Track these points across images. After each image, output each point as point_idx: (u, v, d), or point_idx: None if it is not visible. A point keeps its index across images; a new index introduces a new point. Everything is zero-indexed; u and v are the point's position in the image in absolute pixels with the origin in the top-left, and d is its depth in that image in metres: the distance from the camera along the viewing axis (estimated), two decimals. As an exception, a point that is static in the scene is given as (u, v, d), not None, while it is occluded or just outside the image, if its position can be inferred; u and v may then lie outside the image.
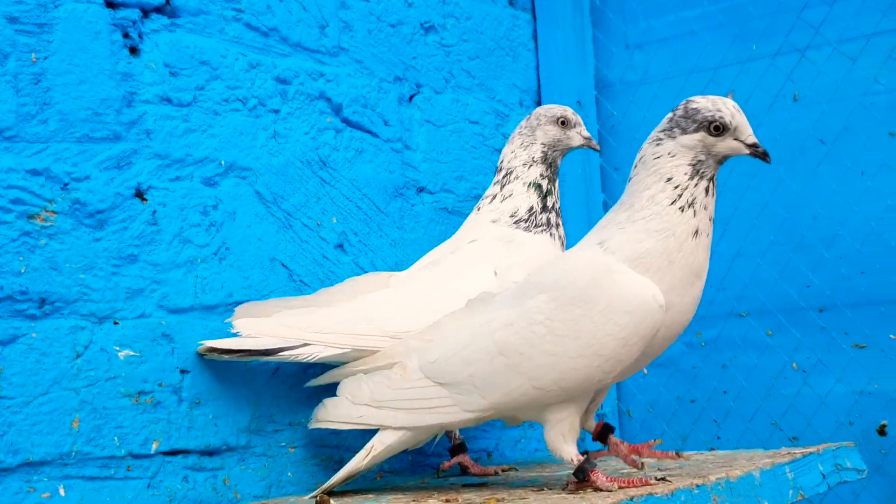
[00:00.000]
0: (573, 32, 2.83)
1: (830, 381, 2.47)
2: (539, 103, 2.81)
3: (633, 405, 2.74)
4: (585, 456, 1.67)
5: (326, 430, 2.08)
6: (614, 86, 2.83)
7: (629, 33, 2.83)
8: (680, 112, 1.69)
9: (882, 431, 2.41)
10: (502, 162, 2.14)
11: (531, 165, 2.11)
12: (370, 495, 1.84)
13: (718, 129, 1.66)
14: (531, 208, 2.09)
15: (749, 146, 1.68)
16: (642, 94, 2.78)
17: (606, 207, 2.82)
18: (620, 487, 1.61)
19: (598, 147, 2.18)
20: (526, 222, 2.08)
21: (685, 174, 1.67)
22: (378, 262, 2.25)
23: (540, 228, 2.09)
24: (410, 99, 2.40)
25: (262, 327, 1.85)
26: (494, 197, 2.12)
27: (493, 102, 2.64)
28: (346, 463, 2.10)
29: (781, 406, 2.53)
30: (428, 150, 2.42)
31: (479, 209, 2.14)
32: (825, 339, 2.48)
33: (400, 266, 2.29)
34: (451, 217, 2.44)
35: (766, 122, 2.57)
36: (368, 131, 2.27)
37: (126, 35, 1.85)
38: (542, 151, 2.12)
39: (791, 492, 1.88)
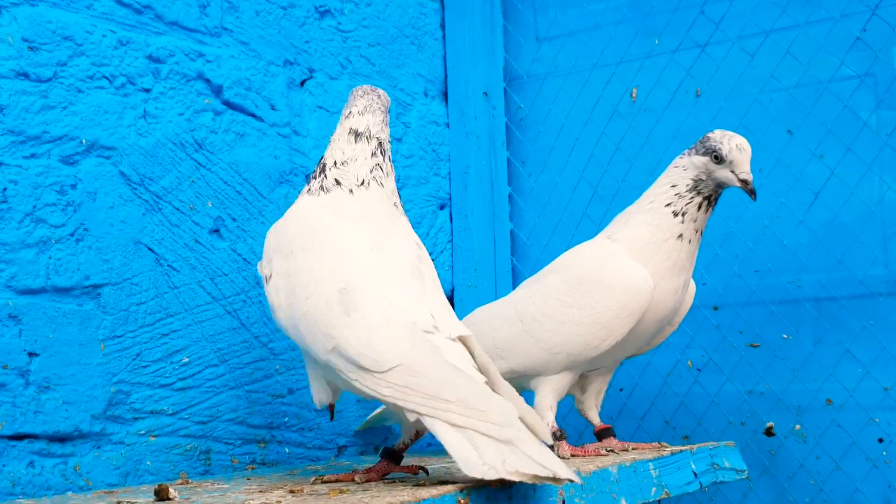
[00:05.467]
0: (482, 23, 2.79)
1: (722, 380, 2.44)
2: (445, 94, 2.77)
3: (528, 401, 2.71)
4: (557, 428, 2.00)
5: (193, 420, 2.04)
6: (522, 78, 2.79)
7: (539, 25, 2.79)
8: (702, 138, 2.00)
9: (769, 433, 2.38)
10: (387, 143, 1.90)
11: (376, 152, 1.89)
12: (224, 485, 1.79)
13: (718, 158, 1.95)
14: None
15: (740, 181, 1.96)
16: (549, 87, 2.75)
17: (512, 201, 2.79)
18: (573, 455, 1.95)
19: None
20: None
21: (686, 186, 1.99)
22: (258, 248, 2.20)
23: None
24: (302, 84, 2.35)
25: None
26: (388, 175, 1.88)
27: (394, 91, 2.60)
28: (212, 453, 2.06)
29: (674, 404, 2.50)
30: (319, 137, 2.37)
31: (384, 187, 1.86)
32: (718, 337, 2.46)
33: (283, 253, 2.24)
34: (343, 205, 2.40)
35: (665, 117, 2.54)
36: (252, 114, 2.22)
37: (-18, 7, 1.80)
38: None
39: (654, 489, 1.85)
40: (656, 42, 2.59)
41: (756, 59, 2.44)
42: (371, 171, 1.85)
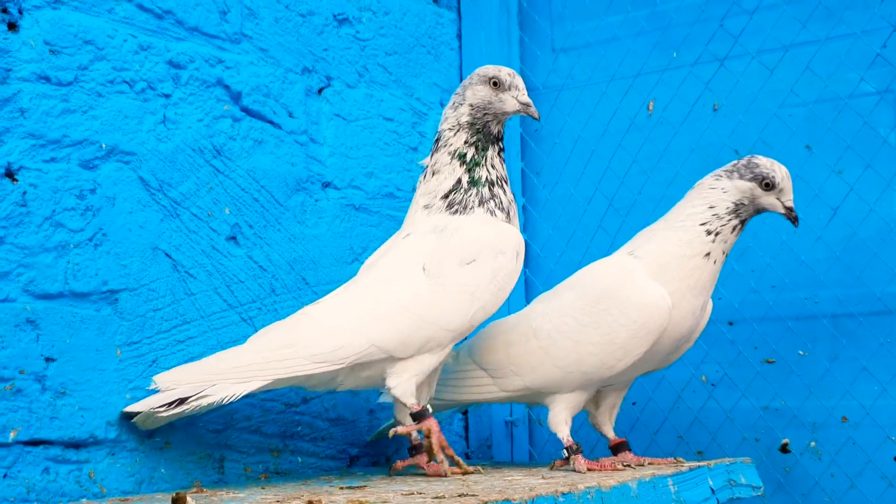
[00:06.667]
0: (498, 34, 2.78)
1: (736, 396, 2.43)
2: (461, 104, 2.76)
3: (543, 414, 2.69)
4: (572, 442, 2.01)
5: (207, 427, 2.03)
6: (538, 89, 2.79)
7: (555, 36, 2.79)
8: (744, 162, 2.01)
9: (784, 449, 2.37)
10: (441, 124, 2.00)
11: (457, 131, 1.95)
12: (240, 494, 1.78)
13: (768, 185, 1.99)
14: (458, 182, 1.93)
15: (786, 208, 2.02)
16: (565, 99, 2.74)
17: (526, 212, 2.77)
18: (589, 469, 1.96)
19: (537, 115, 1.99)
20: (458, 204, 1.93)
21: (726, 209, 2.00)
22: (275, 256, 2.19)
23: (470, 209, 1.92)
24: (320, 91, 2.35)
25: (183, 376, 1.83)
26: (426, 171, 1.99)
27: (410, 100, 2.59)
28: (225, 461, 2.04)
29: (688, 419, 2.49)
30: (336, 145, 2.37)
31: (417, 188, 2.03)
32: (733, 352, 2.45)
33: (299, 261, 2.24)
34: (359, 214, 2.39)
35: (682, 131, 2.54)
36: (270, 122, 2.21)
37: (5, 10, 1.79)
38: (470, 114, 1.94)
39: (672, 505, 1.84)
40: (674, 55, 2.58)
41: (775, 73, 2.43)
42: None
